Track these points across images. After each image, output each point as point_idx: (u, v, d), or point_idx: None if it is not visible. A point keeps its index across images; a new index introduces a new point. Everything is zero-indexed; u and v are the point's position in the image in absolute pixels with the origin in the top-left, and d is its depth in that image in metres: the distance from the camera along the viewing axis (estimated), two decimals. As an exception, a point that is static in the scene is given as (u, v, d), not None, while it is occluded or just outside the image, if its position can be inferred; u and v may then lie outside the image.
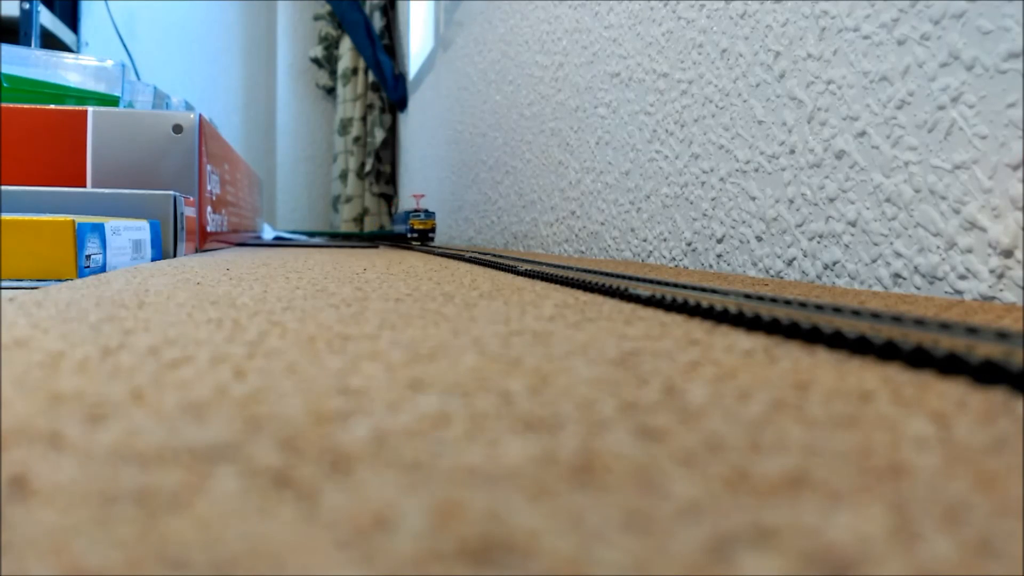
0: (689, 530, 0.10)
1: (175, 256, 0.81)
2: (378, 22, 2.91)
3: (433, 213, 1.43)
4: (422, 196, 1.53)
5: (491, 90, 1.58)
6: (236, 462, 0.13)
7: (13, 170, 0.92)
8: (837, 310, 0.27)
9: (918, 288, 0.49)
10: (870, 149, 0.54)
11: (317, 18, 3.16)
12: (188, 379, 0.18)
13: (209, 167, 1.07)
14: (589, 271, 0.50)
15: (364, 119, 3.04)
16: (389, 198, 3.06)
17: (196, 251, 0.97)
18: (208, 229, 1.07)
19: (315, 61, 3.19)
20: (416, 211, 1.41)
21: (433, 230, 1.42)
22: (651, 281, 0.41)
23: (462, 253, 0.85)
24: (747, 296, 0.32)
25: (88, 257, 0.56)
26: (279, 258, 0.82)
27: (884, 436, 0.15)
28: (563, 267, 0.56)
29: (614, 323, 0.30)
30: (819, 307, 0.28)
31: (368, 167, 3.00)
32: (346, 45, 3.02)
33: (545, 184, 1.24)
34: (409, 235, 1.40)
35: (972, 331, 0.23)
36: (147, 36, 2.70)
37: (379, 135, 2.98)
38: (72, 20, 2.41)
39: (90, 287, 0.40)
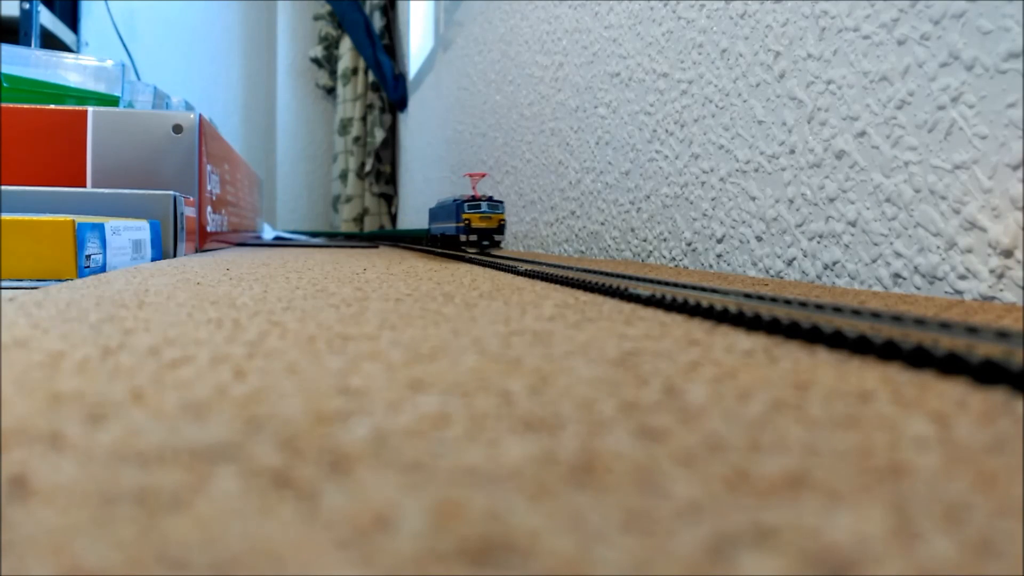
0: (689, 530, 0.10)
1: (175, 256, 0.81)
2: (378, 22, 2.91)
3: (501, 204, 0.84)
4: (482, 176, 0.94)
5: (491, 90, 1.58)
6: (236, 462, 0.13)
7: (13, 170, 0.92)
8: (837, 310, 0.27)
9: (918, 288, 0.49)
10: (870, 149, 0.54)
11: (317, 18, 3.16)
12: (188, 379, 0.18)
13: (209, 167, 1.07)
14: (589, 271, 0.50)
15: (364, 119, 3.04)
16: (389, 198, 3.06)
17: (196, 251, 0.97)
18: (208, 229, 1.07)
19: (315, 61, 3.19)
20: (473, 200, 0.84)
21: (501, 229, 0.84)
22: (651, 281, 0.41)
23: (462, 254, 0.85)
24: (747, 296, 0.32)
25: (88, 257, 0.56)
26: (279, 258, 0.82)
27: (884, 436, 0.15)
28: (563, 267, 0.56)
29: (614, 323, 0.30)
30: (819, 307, 0.28)
31: (368, 167, 3.00)
32: (346, 45, 3.02)
33: (545, 184, 1.24)
34: (462, 237, 0.84)
35: (972, 331, 0.22)
36: (147, 36, 2.70)
37: (379, 135, 2.98)
38: (72, 20, 2.41)
39: (90, 287, 0.40)
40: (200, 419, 0.15)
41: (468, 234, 0.83)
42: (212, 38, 3.09)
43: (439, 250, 0.97)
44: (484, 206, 0.83)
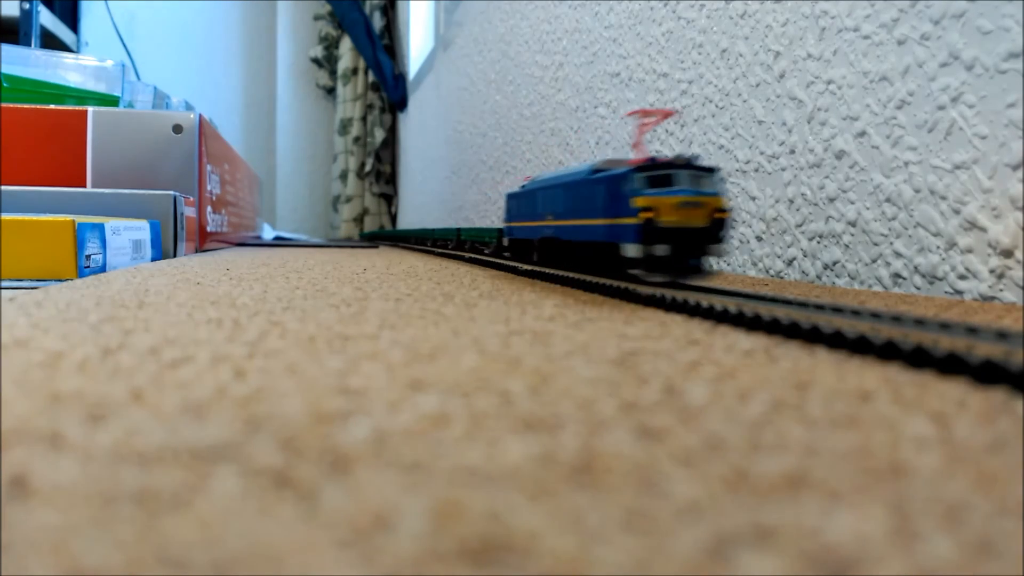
0: (689, 530, 0.10)
1: (175, 256, 0.81)
2: (378, 22, 2.91)
3: (715, 171, 0.39)
4: (667, 115, 0.46)
5: (491, 90, 1.58)
6: (236, 462, 0.13)
7: (13, 170, 0.92)
8: (837, 310, 0.27)
9: (918, 288, 0.49)
10: (870, 149, 0.54)
11: (317, 18, 3.16)
12: (188, 379, 0.18)
13: (209, 167, 1.07)
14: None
15: (364, 119, 3.04)
16: (389, 198, 3.06)
17: (196, 251, 0.97)
18: (208, 229, 1.07)
19: (315, 61, 3.19)
20: (656, 168, 0.39)
21: (719, 230, 0.37)
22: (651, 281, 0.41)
23: (462, 254, 0.85)
24: (747, 296, 0.32)
25: (88, 257, 0.56)
26: (279, 258, 0.82)
27: (884, 436, 0.15)
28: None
29: (614, 323, 0.30)
30: (819, 307, 0.28)
31: (368, 167, 3.00)
32: (346, 45, 3.02)
33: (545, 184, 1.24)
34: (631, 251, 0.38)
35: (972, 331, 0.22)
36: (147, 36, 2.70)
37: (379, 135, 2.98)
38: (72, 20, 2.41)
39: (90, 287, 0.40)
40: (200, 419, 0.15)
41: (650, 241, 0.38)
42: (212, 38, 3.09)
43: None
44: (684, 178, 0.39)
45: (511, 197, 0.63)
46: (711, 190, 0.38)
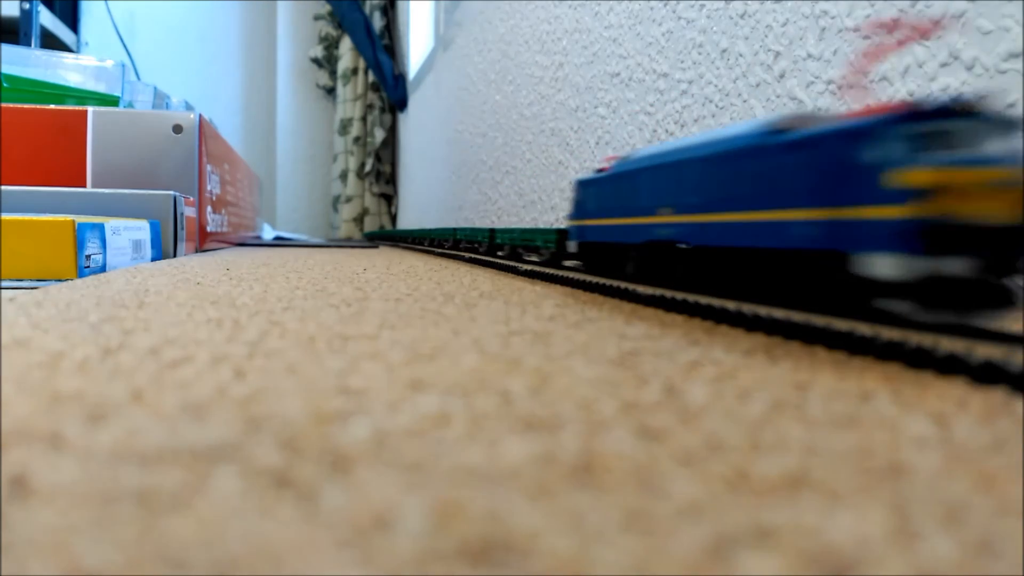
0: (689, 530, 0.10)
1: (175, 256, 0.81)
2: (378, 22, 2.91)
3: (1017, 123, 0.21)
4: (912, 34, 0.29)
5: (491, 90, 1.58)
6: (236, 462, 0.13)
7: (13, 170, 0.92)
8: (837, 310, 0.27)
9: (918, 288, 0.49)
10: (870, 149, 0.54)
11: (317, 18, 3.16)
12: (188, 379, 0.18)
13: (209, 167, 1.07)
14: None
15: (364, 119, 3.04)
16: (389, 198, 3.06)
17: (196, 251, 0.97)
18: (208, 229, 1.07)
19: (315, 61, 3.19)
20: (928, 115, 0.21)
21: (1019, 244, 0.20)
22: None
23: (462, 254, 0.85)
24: (746, 296, 0.32)
25: (88, 257, 0.56)
26: (279, 258, 0.82)
27: (884, 436, 0.15)
28: (564, 267, 0.55)
29: (614, 323, 0.30)
30: (819, 307, 0.28)
31: (368, 167, 3.00)
32: (346, 45, 3.02)
33: (545, 184, 1.24)
34: (880, 260, 0.22)
35: (972, 331, 0.22)
36: (147, 36, 2.70)
37: (379, 135, 2.98)
38: (72, 20, 2.41)
39: (90, 287, 0.40)
40: (200, 419, 0.15)
41: (935, 251, 0.21)
42: (212, 38, 3.09)
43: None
44: (978, 135, 0.22)
45: (585, 185, 0.46)
46: (1015, 157, 0.22)
